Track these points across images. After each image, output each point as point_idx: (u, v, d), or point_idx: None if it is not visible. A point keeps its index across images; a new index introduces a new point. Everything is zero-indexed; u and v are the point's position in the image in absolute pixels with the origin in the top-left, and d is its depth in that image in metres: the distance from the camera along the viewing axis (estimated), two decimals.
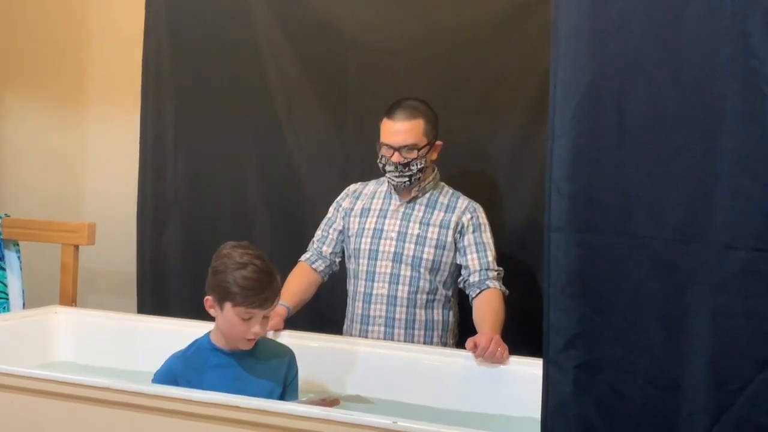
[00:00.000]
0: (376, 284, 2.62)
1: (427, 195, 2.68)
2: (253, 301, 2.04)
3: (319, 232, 2.78)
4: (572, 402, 1.42)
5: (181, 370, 2.11)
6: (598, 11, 1.43)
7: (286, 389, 2.20)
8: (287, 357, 2.24)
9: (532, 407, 2.05)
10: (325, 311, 2.97)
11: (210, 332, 2.18)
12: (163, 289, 3.47)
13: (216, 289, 2.08)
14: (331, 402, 2.18)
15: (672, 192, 1.39)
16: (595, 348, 1.41)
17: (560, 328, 1.42)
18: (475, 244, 2.61)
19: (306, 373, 2.33)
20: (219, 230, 3.23)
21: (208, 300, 2.10)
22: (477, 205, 2.68)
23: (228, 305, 2.05)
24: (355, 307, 2.67)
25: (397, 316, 2.60)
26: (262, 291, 2.05)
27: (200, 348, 2.17)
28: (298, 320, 2.66)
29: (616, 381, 1.40)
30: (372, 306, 2.62)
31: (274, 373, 2.19)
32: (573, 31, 1.42)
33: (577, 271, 1.42)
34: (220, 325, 2.11)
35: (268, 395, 2.11)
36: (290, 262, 2.79)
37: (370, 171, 2.82)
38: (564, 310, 1.42)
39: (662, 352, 1.39)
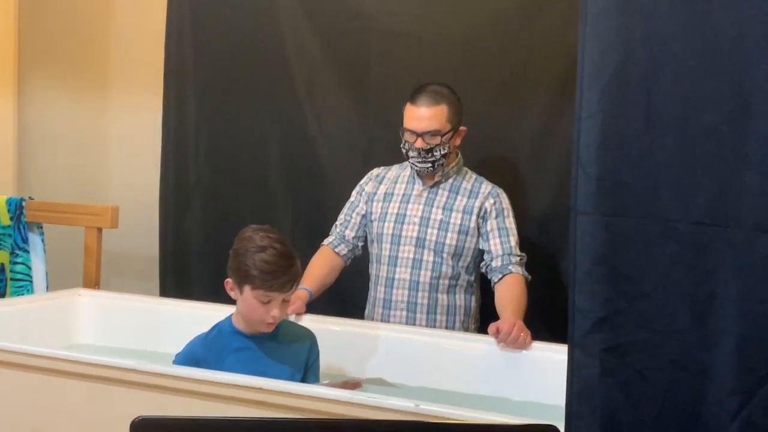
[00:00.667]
0: (398, 269, 2.62)
1: (450, 180, 2.67)
2: (272, 284, 2.04)
3: (342, 216, 2.78)
4: (598, 385, 1.40)
5: (202, 353, 2.13)
6: None
7: (307, 373, 2.21)
8: (308, 340, 2.25)
9: (555, 392, 2.04)
10: (347, 295, 2.97)
11: (232, 315, 2.19)
12: (184, 273, 3.49)
13: (236, 271, 2.08)
14: (353, 385, 2.18)
15: (701, 174, 1.37)
16: (621, 332, 1.39)
17: (586, 312, 1.40)
18: (498, 229, 2.60)
19: (327, 358, 2.34)
20: (240, 215, 3.24)
21: (229, 282, 2.11)
22: (500, 190, 2.66)
23: (247, 288, 2.06)
24: (377, 292, 2.67)
25: (419, 300, 2.60)
26: (281, 275, 2.05)
27: (221, 331, 2.18)
28: (319, 304, 2.67)
29: (643, 365, 1.38)
30: (394, 291, 2.62)
31: (295, 357, 2.19)
32: (601, 11, 1.40)
33: (603, 254, 1.40)
34: (241, 307, 2.12)
35: (289, 379, 2.12)
36: (312, 246, 2.80)
37: (393, 155, 2.81)
38: (590, 294, 1.40)
39: (689, 336, 1.37)
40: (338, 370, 2.46)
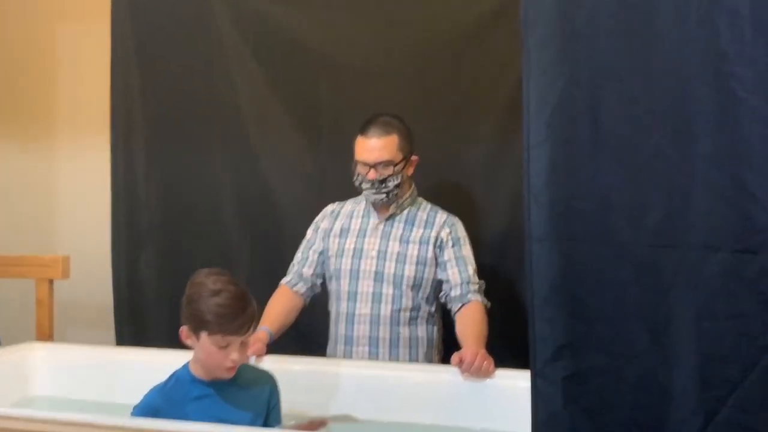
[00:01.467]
0: (358, 304, 2.60)
1: (405, 211, 2.66)
2: (228, 327, 2.00)
3: (299, 254, 2.75)
4: (562, 413, 1.40)
5: (161, 403, 2.07)
6: (565, 19, 1.42)
7: (269, 416, 2.17)
8: (268, 384, 2.21)
9: (520, 420, 2.04)
10: (308, 333, 2.94)
11: (189, 363, 2.14)
12: (140, 320, 3.42)
13: (191, 318, 2.04)
14: (319, 424, 2.15)
15: (650, 197, 1.39)
16: (581, 357, 1.40)
17: (546, 339, 1.41)
18: (455, 258, 2.60)
19: (291, 397, 2.29)
20: (196, 257, 3.19)
21: (184, 330, 2.06)
22: (456, 219, 2.67)
23: (204, 334, 2.02)
24: (338, 329, 2.64)
25: (381, 335, 2.58)
26: (237, 317, 2.01)
27: (179, 380, 2.13)
28: (280, 344, 2.63)
29: (605, 390, 1.39)
30: (355, 326, 2.60)
31: (256, 401, 2.15)
32: (541, 40, 1.41)
33: (560, 281, 1.41)
34: (199, 355, 2.07)
35: (251, 424, 2.08)
36: (270, 285, 2.76)
37: (347, 189, 2.80)
38: (549, 320, 1.41)
39: (649, 359, 1.38)
40: (303, 410, 2.42)
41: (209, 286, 2.03)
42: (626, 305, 1.38)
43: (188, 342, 2.07)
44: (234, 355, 2.03)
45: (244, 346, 2.07)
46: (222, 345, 2.01)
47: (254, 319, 2.08)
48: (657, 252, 1.37)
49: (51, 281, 2.92)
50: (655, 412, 1.38)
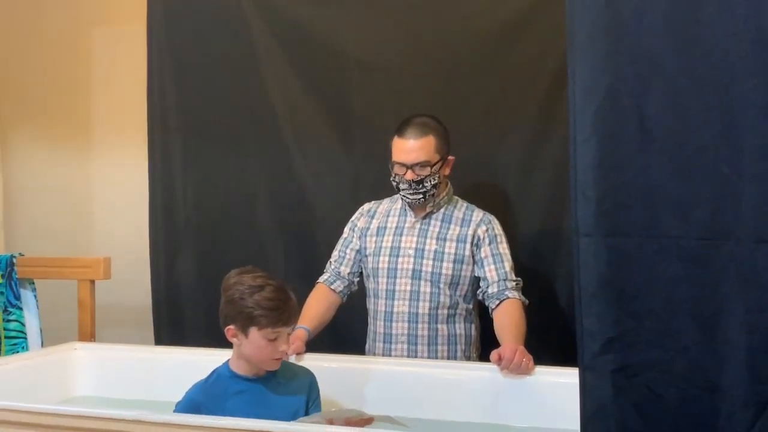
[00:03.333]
0: (396, 302, 2.61)
1: (442, 210, 2.68)
2: (278, 320, 2.06)
3: (335, 253, 2.77)
4: (611, 406, 1.41)
5: (203, 399, 2.11)
6: (611, 14, 1.43)
7: (309, 410, 2.20)
8: (308, 378, 2.24)
9: (562, 416, 2.05)
10: (345, 332, 2.96)
11: (228, 360, 2.17)
12: (178, 320, 3.47)
13: (237, 317, 2.07)
14: (365, 421, 2.16)
15: (698, 190, 1.39)
16: (630, 351, 1.40)
17: (594, 333, 1.41)
18: (492, 255, 2.61)
19: (330, 396, 2.32)
20: (232, 257, 3.22)
21: (230, 329, 2.09)
22: (492, 217, 2.68)
23: (253, 330, 2.06)
24: (376, 326, 2.66)
25: (419, 332, 2.59)
26: (285, 309, 2.07)
27: (220, 376, 2.17)
28: (317, 343, 2.65)
29: (654, 383, 1.39)
30: (394, 324, 2.61)
31: (296, 396, 2.19)
32: (589, 35, 1.42)
33: (608, 275, 1.41)
34: (246, 351, 2.10)
35: (293, 416, 2.11)
36: (305, 285, 2.78)
37: (380, 189, 2.83)
38: (597, 315, 1.42)
39: (698, 352, 1.38)
40: (342, 407, 2.43)
41: (250, 283, 2.07)
42: (675, 299, 1.39)
43: (234, 340, 2.10)
44: (283, 347, 2.09)
45: (288, 336, 2.11)
46: (271, 338, 2.06)
47: (298, 310, 2.13)
48: (706, 245, 1.37)
49: (93, 282, 2.96)
50: (704, 405, 1.38)
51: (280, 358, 2.12)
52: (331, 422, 2.02)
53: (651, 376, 1.39)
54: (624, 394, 1.40)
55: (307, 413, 2.18)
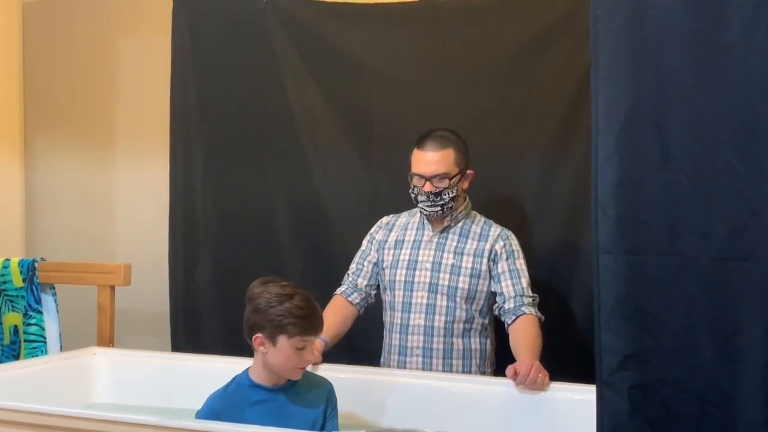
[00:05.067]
0: (412, 315, 2.63)
1: (460, 224, 2.69)
2: (308, 328, 2.07)
3: (353, 265, 2.80)
4: (628, 423, 1.42)
5: (223, 407, 2.12)
6: (634, 35, 1.45)
7: (326, 421, 2.21)
8: (326, 387, 2.25)
9: None
10: (361, 344, 2.97)
11: (248, 369, 2.18)
12: (196, 327, 3.49)
13: (266, 325, 2.07)
14: None
15: (717, 210, 1.40)
16: (648, 368, 1.41)
17: (613, 349, 1.43)
18: (509, 271, 2.62)
19: (345, 407, 2.33)
20: (250, 267, 3.25)
21: (258, 337, 2.09)
22: (509, 233, 2.69)
23: (282, 338, 2.06)
24: (392, 339, 2.68)
25: (434, 346, 2.60)
26: (314, 318, 2.10)
27: (240, 385, 2.18)
28: (331, 354, 2.67)
29: (671, 400, 1.40)
30: (409, 337, 2.63)
31: (314, 406, 2.19)
32: (612, 54, 1.44)
33: (627, 292, 1.43)
34: (272, 359, 2.10)
35: (311, 426, 2.12)
36: (323, 294, 2.79)
37: (398, 201, 2.85)
38: (615, 331, 1.43)
39: (716, 371, 1.39)
40: (357, 418, 2.45)
41: (279, 291, 2.08)
42: (693, 317, 1.40)
43: (261, 349, 2.10)
44: (309, 356, 2.10)
45: (312, 345, 2.13)
46: (299, 347, 2.07)
47: (323, 319, 2.14)
48: (724, 265, 1.38)
49: (113, 288, 2.99)
50: (720, 424, 1.39)
51: (304, 368, 2.12)
52: None
53: (668, 394, 1.40)
54: (641, 411, 1.41)
55: (324, 424, 2.19)
